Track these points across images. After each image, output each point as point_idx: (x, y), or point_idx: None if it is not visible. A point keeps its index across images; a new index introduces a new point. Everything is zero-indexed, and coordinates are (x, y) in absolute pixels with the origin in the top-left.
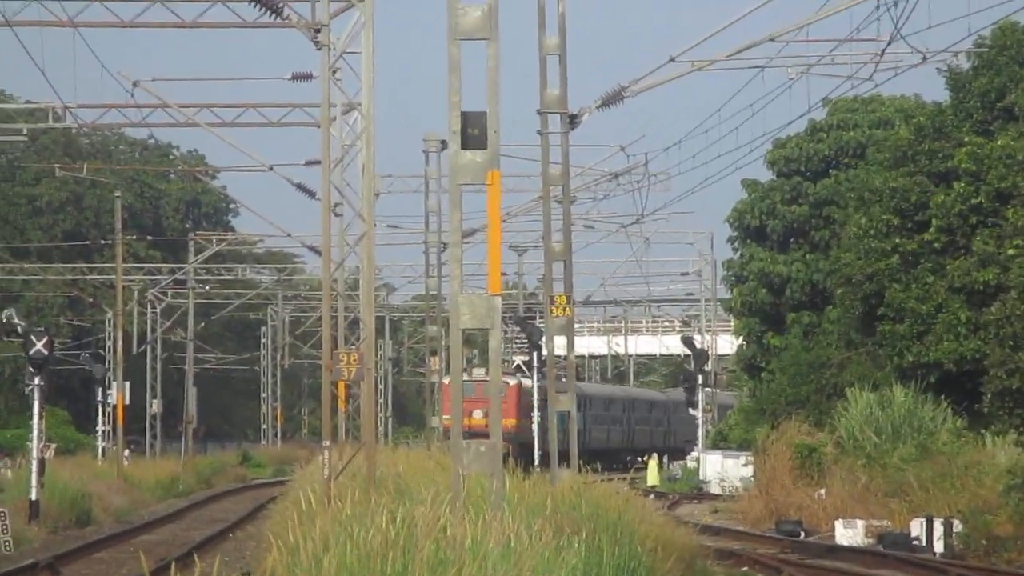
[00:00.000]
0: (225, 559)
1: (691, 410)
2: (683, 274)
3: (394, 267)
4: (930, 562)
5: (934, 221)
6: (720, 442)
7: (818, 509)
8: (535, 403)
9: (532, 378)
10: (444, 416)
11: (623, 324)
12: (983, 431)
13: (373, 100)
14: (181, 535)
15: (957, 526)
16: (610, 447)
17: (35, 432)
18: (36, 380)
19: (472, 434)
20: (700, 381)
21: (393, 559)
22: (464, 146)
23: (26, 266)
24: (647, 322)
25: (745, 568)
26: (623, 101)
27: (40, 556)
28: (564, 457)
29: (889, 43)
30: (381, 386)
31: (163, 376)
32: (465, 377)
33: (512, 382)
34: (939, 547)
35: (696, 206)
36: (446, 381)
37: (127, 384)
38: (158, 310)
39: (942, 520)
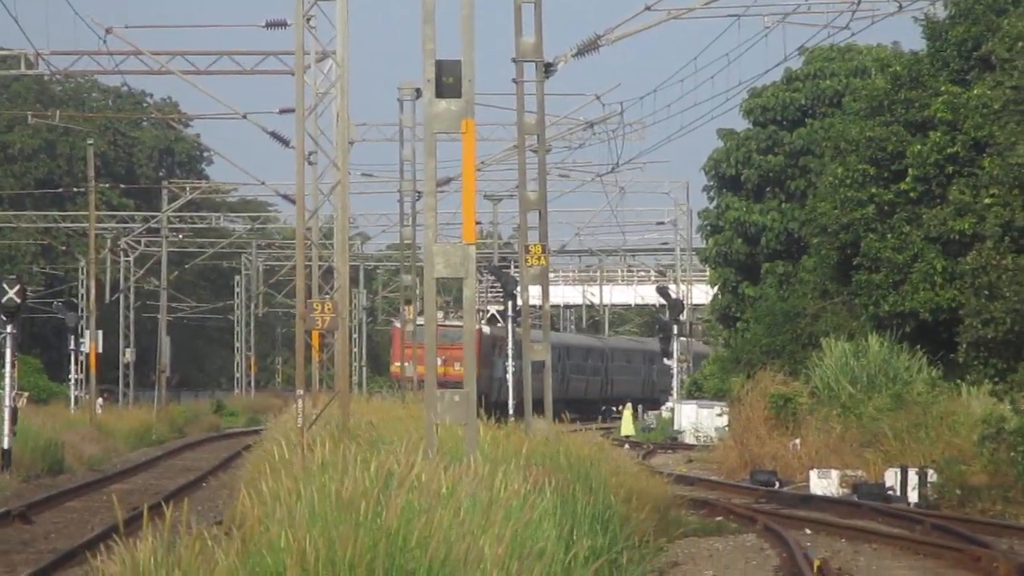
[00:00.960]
0: (198, 508)
1: (666, 360)
2: (658, 224)
3: (369, 216)
4: (904, 512)
5: (910, 171)
6: (695, 392)
7: (793, 459)
8: (509, 352)
9: (507, 327)
10: (394, 363)
11: (598, 274)
12: (958, 381)
13: (348, 48)
14: (154, 484)
15: (931, 476)
16: (588, 397)
17: (7, 381)
18: (8, 328)
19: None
20: (675, 331)
21: (366, 508)
22: (439, 95)
23: None
24: (622, 272)
25: (719, 518)
26: (599, 50)
27: (12, 505)
28: (540, 406)
29: None
30: (355, 335)
31: (136, 325)
32: (420, 321)
33: (477, 327)
34: (913, 497)
35: (672, 155)
36: (398, 326)
37: (100, 333)
38: (131, 259)
39: (916, 470)
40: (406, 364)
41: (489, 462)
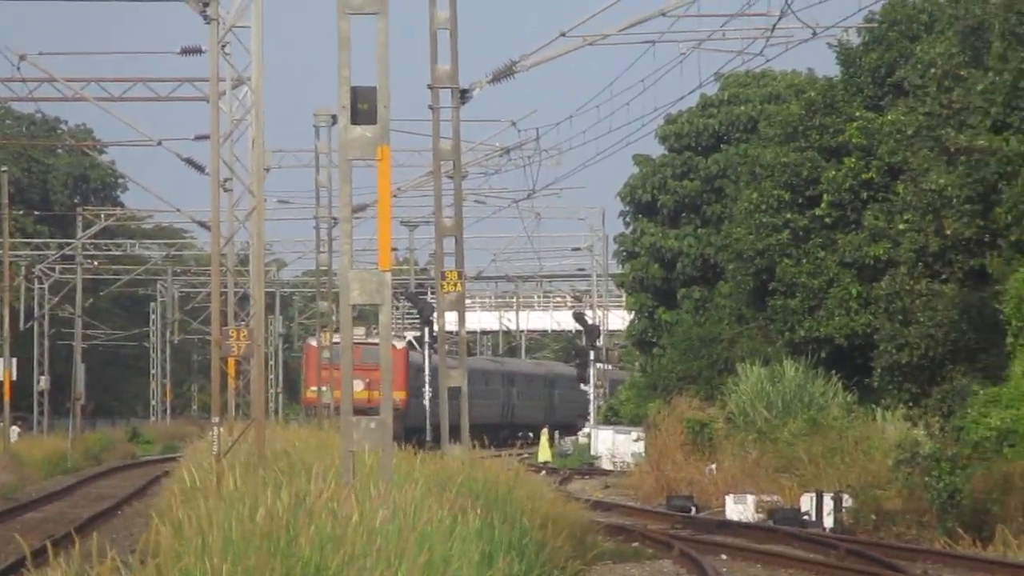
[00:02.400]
0: (113, 536)
1: (583, 385)
2: (575, 249)
3: (285, 242)
4: (820, 537)
5: (825, 196)
6: (612, 417)
7: (709, 484)
8: (426, 378)
9: (424, 354)
10: (308, 388)
11: (515, 300)
12: (873, 406)
13: (263, 74)
14: (69, 512)
15: (847, 501)
16: (488, 422)
17: None
18: None
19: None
20: (592, 356)
21: (279, 536)
22: (354, 121)
23: None
24: (539, 297)
25: (636, 544)
26: (514, 76)
27: None
28: (454, 433)
29: (780, 18)
30: (271, 362)
31: (51, 352)
32: (336, 339)
33: (400, 345)
34: (829, 522)
35: (588, 181)
36: (313, 343)
37: (14, 360)
38: (46, 286)
39: (832, 495)
40: (323, 388)
41: (404, 489)
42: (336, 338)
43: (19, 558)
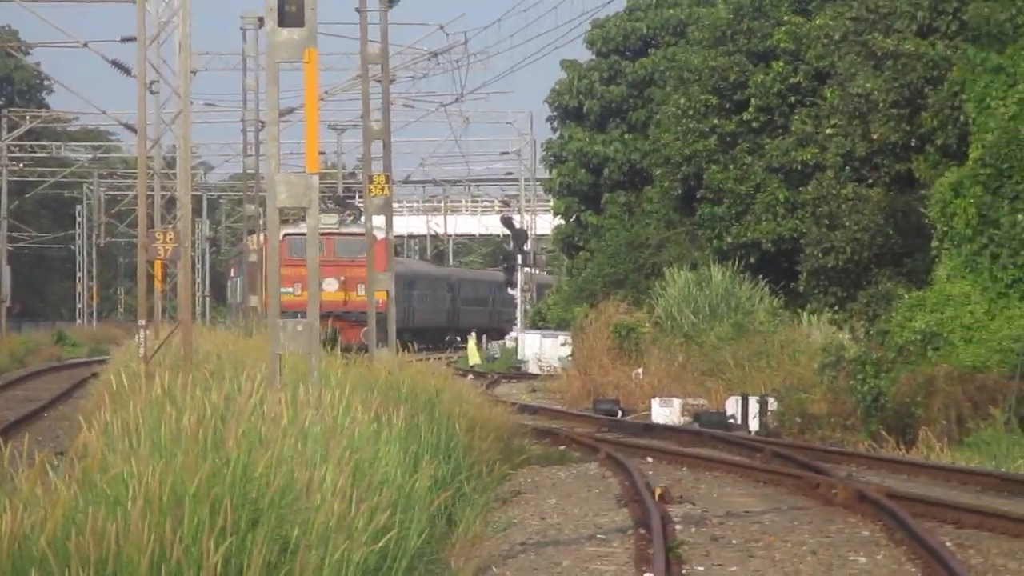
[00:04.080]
0: (38, 439)
1: (510, 290)
2: (503, 154)
3: (212, 146)
4: (745, 440)
5: (753, 101)
6: (539, 322)
7: (636, 388)
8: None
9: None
10: (273, 289)
11: (443, 204)
12: (799, 310)
13: None
14: None
15: (772, 404)
16: (435, 326)
17: None
18: None
19: (331, 314)
20: (519, 261)
21: (206, 437)
22: (281, 23)
23: None
24: (467, 202)
25: (562, 447)
26: None
27: None
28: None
29: None
30: (199, 266)
31: None
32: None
33: (380, 236)
34: (754, 425)
35: (516, 86)
36: (286, 232)
37: None
38: None
39: (757, 399)
40: (295, 287)
41: (332, 392)
42: (302, 228)
43: None
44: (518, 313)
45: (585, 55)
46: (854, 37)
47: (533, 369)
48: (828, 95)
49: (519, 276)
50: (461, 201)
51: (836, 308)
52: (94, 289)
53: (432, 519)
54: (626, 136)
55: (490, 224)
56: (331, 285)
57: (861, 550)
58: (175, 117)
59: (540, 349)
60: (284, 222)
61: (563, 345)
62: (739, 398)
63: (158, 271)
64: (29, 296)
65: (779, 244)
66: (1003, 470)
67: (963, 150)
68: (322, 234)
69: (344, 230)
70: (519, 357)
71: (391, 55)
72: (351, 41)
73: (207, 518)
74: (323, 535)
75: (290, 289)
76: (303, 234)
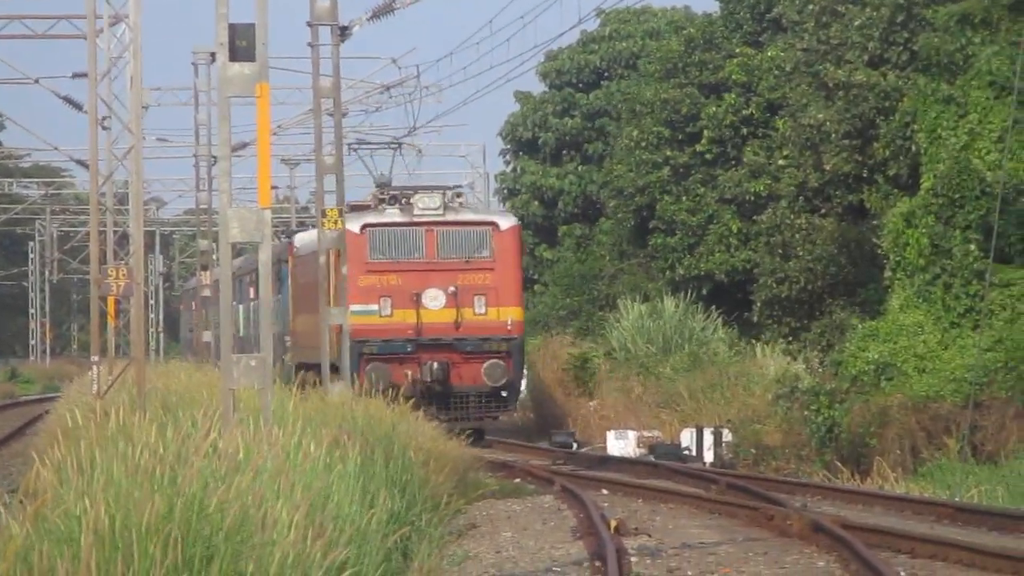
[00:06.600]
0: None
1: None
2: (455, 187)
3: (164, 181)
4: (700, 471)
5: (705, 132)
6: None
7: (591, 421)
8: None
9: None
10: (353, 307)
11: None
12: (753, 341)
13: (140, 12)
14: None
15: (727, 435)
16: None
17: None
18: None
19: (438, 342)
20: None
21: (162, 474)
22: (232, 58)
23: None
24: None
25: (517, 480)
26: (394, 12)
27: None
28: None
29: None
30: (152, 301)
31: None
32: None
33: (510, 224)
34: (709, 456)
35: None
36: (353, 228)
37: None
38: None
39: (712, 430)
40: (355, 307)
41: (287, 426)
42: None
43: None
44: None
45: (538, 87)
46: (805, 68)
47: None
48: (780, 126)
49: None
50: None
51: (790, 338)
52: (47, 326)
53: (388, 554)
54: (580, 168)
55: None
56: (435, 300)
57: None
58: (127, 152)
59: None
60: (354, 209)
61: None
62: (694, 430)
63: (111, 307)
64: None
65: (732, 275)
66: (957, 499)
67: (915, 180)
68: (420, 224)
69: (451, 218)
70: None
71: (343, 89)
72: (303, 75)
73: (158, 554)
74: (279, 571)
75: (373, 307)
76: (395, 224)
